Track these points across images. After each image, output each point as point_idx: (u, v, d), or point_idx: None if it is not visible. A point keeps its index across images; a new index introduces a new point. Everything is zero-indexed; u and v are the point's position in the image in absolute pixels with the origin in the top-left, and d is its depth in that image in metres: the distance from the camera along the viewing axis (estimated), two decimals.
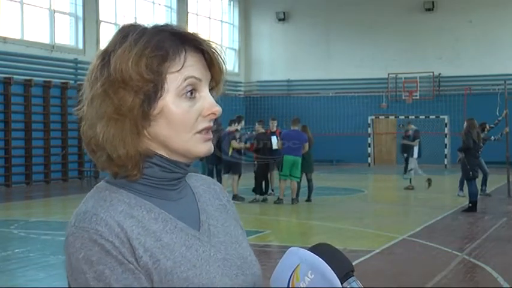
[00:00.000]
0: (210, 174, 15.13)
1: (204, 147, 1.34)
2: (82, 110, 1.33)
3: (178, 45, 1.31)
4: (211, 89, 1.36)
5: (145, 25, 1.34)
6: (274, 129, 16.16)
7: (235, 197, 15.28)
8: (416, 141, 18.73)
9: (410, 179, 18.29)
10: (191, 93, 1.32)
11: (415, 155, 18.49)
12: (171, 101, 1.30)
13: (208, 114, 1.33)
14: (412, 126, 19.72)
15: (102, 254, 1.23)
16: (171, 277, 1.26)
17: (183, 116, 1.31)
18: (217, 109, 1.34)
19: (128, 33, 1.31)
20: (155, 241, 1.28)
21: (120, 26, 1.36)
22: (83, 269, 1.22)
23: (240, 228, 1.47)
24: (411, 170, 18.37)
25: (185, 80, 1.31)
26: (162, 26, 1.34)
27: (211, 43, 1.35)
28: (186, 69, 1.31)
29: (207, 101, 1.33)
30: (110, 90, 1.28)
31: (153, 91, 1.29)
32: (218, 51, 1.35)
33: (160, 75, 1.29)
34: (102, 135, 1.29)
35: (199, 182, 1.48)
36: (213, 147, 1.36)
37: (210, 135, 1.35)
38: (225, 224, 1.44)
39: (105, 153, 1.31)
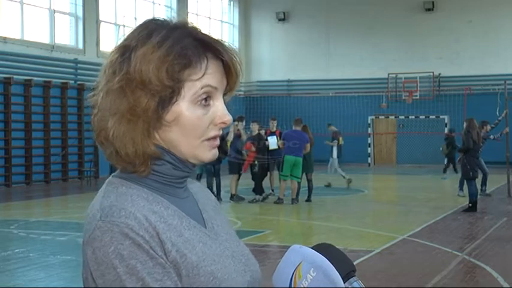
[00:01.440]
0: (209, 174, 15.14)
1: (210, 154, 1.36)
2: (95, 99, 1.33)
3: (201, 53, 1.31)
4: (224, 94, 1.37)
5: (170, 23, 1.33)
6: (274, 129, 16.15)
7: (234, 197, 15.28)
8: (335, 141, 19.35)
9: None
10: (205, 101, 1.33)
11: (334, 155, 19.22)
12: (185, 107, 1.31)
13: (219, 123, 1.34)
14: (333, 128, 20.18)
15: (133, 248, 1.22)
16: (197, 271, 1.27)
17: (196, 123, 1.32)
18: (229, 119, 1.35)
19: (152, 32, 1.31)
20: (178, 236, 1.29)
21: (144, 21, 1.35)
22: (113, 263, 1.21)
23: (232, 228, 1.50)
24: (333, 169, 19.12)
25: (202, 88, 1.31)
26: (186, 27, 1.33)
27: (232, 51, 1.36)
28: (205, 77, 1.31)
29: (219, 110, 1.34)
30: (126, 88, 1.28)
31: (169, 96, 1.29)
32: (238, 59, 1.37)
33: (180, 82, 1.29)
34: (112, 131, 1.29)
35: (192, 184, 1.49)
36: (217, 153, 1.38)
37: (217, 143, 1.37)
38: (223, 224, 1.46)
39: (113, 148, 1.31)
